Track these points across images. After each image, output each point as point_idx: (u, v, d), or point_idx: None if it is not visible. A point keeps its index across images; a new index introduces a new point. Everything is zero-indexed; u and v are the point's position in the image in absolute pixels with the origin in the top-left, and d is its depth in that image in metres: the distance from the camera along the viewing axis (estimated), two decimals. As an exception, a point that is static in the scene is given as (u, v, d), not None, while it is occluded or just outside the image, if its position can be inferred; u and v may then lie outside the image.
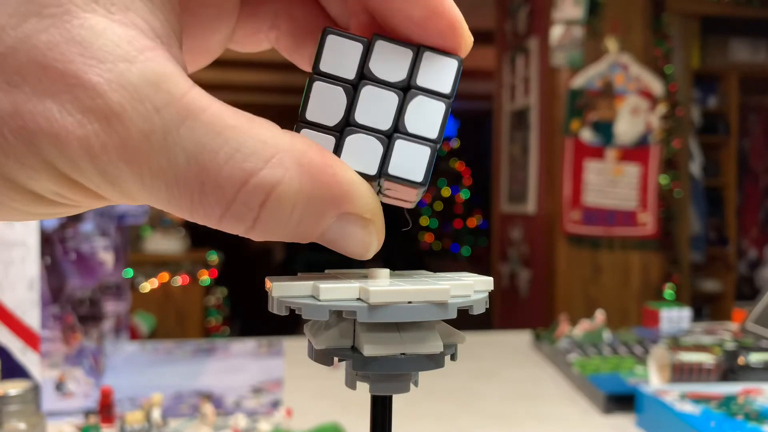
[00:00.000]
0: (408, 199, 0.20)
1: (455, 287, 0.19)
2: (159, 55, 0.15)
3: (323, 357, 0.19)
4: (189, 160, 0.15)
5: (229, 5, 0.20)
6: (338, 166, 0.17)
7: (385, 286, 0.18)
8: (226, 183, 0.15)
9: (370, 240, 0.18)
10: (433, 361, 0.19)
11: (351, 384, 0.20)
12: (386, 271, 0.20)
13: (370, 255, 0.19)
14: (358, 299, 0.18)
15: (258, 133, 0.16)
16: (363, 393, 0.20)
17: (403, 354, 0.19)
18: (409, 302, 0.18)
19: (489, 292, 0.20)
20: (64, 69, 0.14)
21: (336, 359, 0.20)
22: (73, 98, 0.15)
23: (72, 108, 0.15)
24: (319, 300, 0.18)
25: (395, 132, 0.19)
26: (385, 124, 0.19)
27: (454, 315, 0.19)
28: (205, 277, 2.77)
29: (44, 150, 0.15)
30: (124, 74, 0.15)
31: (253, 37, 0.22)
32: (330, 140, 0.18)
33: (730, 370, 0.74)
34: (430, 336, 0.19)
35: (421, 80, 0.19)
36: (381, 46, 0.18)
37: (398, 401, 0.20)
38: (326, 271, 0.22)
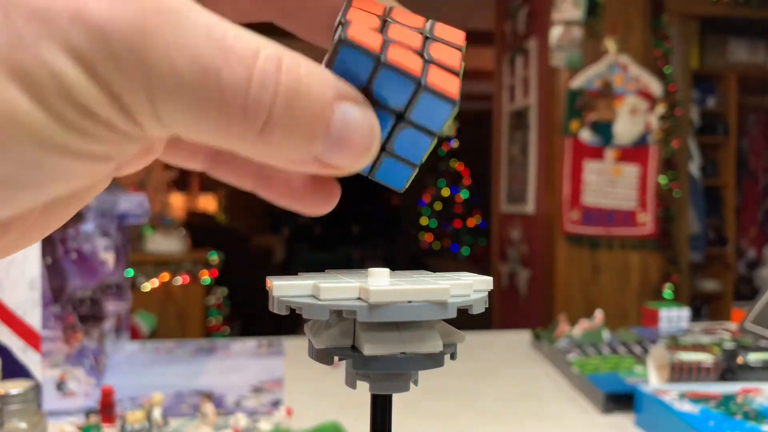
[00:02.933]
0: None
1: (455, 287, 0.19)
2: None
3: (323, 356, 0.20)
4: (206, 36, 0.15)
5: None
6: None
7: (385, 286, 0.18)
8: (244, 54, 0.15)
9: (372, 122, 0.18)
10: (433, 361, 0.19)
11: (351, 383, 0.20)
12: (386, 271, 0.20)
13: (376, 142, 0.18)
14: (358, 299, 0.18)
15: (244, 30, 0.16)
16: (363, 392, 0.20)
17: (403, 353, 0.19)
18: (409, 302, 0.18)
19: (488, 292, 0.21)
20: None
21: (336, 358, 0.20)
22: None
23: None
24: (320, 299, 0.18)
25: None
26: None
27: (453, 314, 0.19)
28: (205, 277, 2.77)
29: (62, 27, 0.14)
30: None
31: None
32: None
33: (728, 369, 0.74)
34: (429, 335, 0.19)
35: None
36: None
37: (398, 400, 0.21)
38: (326, 270, 0.22)
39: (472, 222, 6.15)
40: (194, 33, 0.15)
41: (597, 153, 2.54)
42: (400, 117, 0.19)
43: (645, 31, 2.56)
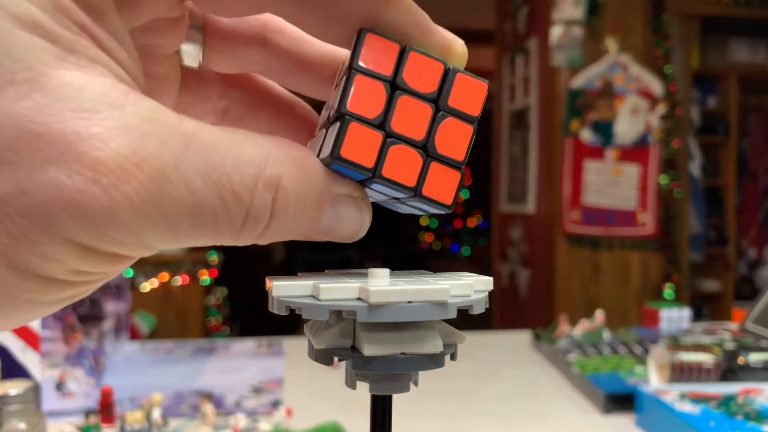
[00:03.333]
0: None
1: (455, 287, 0.19)
2: (141, 95, 0.15)
3: (323, 356, 0.20)
4: (204, 180, 0.15)
5: (172, 77, 0.22)
6: (315, 158, 0.18)
7: (384, 286, 0.18)
8: (241, 189, 0.16)
9: (362, 217, 0.19)
10: (433, 361, 0.19)
11: (351, 384, 0.20)
12: (386, 271, 0.20)
13: (363, 232, 0.19)
14: (358, 299, 0.18)
15: (248, 141, 0.16)
16: (363, 393, 0.20)
17: (403, 354, 0.19)
18: (409, 302, 0.18)
19: (489, 292, 0.21)
20: (60, 130, 0.14)
21: (336, 359, 0.20)
22: (79, 156, 0.14)
23: (80, 167, 0.14)
24: (319, 300, 0.18)
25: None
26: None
27: (453, 315, 0.19)
28: (205, 277, 2.77)
29: (60, 223, 0.14)
30: (123, 119, 0.14)
31: (200, 106, 0.23)
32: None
33: (729, 369, 0.74)
34: (430, 336, 0.19)
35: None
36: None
37: (398, 401, 0.21)
38: (326, 271, 0.22)
39: (473, 222, 6.15)
40: (191, 182, 0.15)
41: (597, 153, 2.54)
42: (395, 198, 0.20)
43: (645, 31, 2.56)
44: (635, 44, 2.55)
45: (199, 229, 0.16)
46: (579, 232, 2.56)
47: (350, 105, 0.18)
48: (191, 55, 0.22)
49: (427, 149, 0.19)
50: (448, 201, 0.19)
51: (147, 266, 2.67)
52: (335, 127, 0.18)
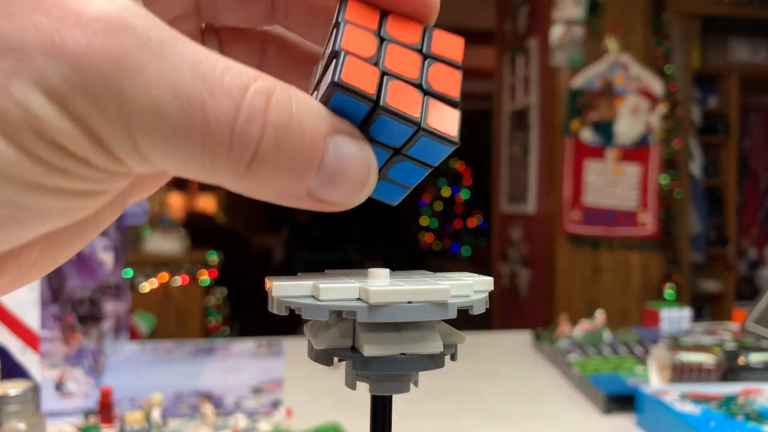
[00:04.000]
0: None
1: (455, 287, 0.19)
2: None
3: (323, 357, 0.19)
4: (191, 70, 0.15)
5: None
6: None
7: (385, 286, 0.18)
8: (231, 87, 0.15)
9: (368, 156, 0.17)
10: (433, 361, 0.19)
11: (351, 384, 0.20)
12: (386, 271, 0.20)
13: (372, 183, 0.18)
14: (358, 299, 0.18)
15: (235, 63, 0.16)
16: (363, 393, 0.20)
17: (403, 354, 0.19)
18: (409, 302, 0.18)
19: (489, 292, 0.20)
20: None
21: (336, 359, 0.20)
22: (64, 6, 0.14)
23: (63, 13, 0.14)
24: (319, 300, 0.18)
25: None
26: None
27: (453, 315, 0.19)
28: (204, 277, 2.77)
29: (36, 63, 0.14)
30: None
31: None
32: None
33: (730, 370, 0.74)
34: (430, 336, 0.19)
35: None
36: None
37: (398, 401, 0.20)
38: (326, 271, 0.22)
39: (473, 222, 6.15)
40: (178, 66, 0.14)
41: (598, 153, 2.54)
42: (397, 151, 0.19)
43: (646, 31, 2.56)
44: (636, 44, 2.55)
45: (183, 116, 0.15)
46: (579, 232, 2.56)
47: (344, 44, 0.18)
48: None
49: (422, 88, 0.18)
50: (454, 134, 0.18)
51: (147, 266, 2.67)
52: (331, 66, 0.18)
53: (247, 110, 0.15)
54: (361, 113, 0.18)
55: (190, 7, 0.21)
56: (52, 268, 0.19)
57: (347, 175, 0.17)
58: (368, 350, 0.18)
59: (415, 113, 0.18)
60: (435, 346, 0.19)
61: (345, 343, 0.19)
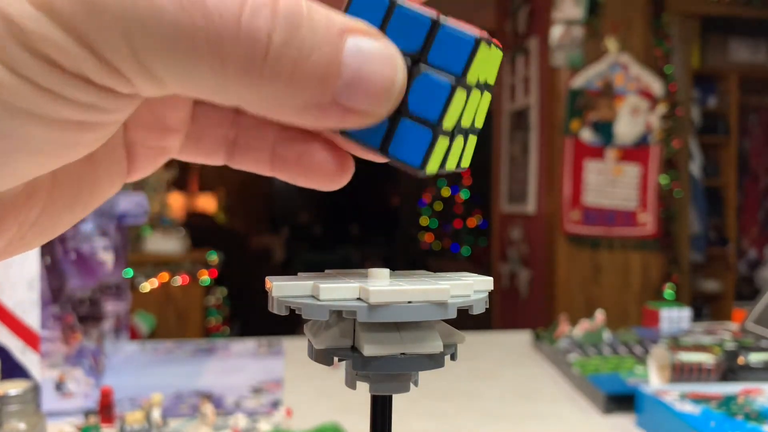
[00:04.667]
0: None
1: (455, 287, 0.19)
2: None
3: (323, 357, 0.19)
4: None
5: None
6: None
7: (385, 286, 0.18)
8: None
9: (391, 51, 0.16)
10: (433, 361, 0.19)
11: (351, 384, 0.20)
12: (386, 271, 0.20)
13: (401, 76, 0.16)
14: (358, 299, 0.18)
15: None
16: (363, 393, 0.20)
17: (403, 354, 0.19)
18: (409, 302, 0.18)
19: (489, 292, 0.21)
20: None
21: (336, 359, 0.20)
22: None
23: None
24: (319, 300, 0.18)
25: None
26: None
27: (453, 315, 0.19)
28: (205, 277, 2.77)
29: None
30: None
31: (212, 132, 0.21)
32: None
33: (730, 370, 0.74)
34: (430, 336, 0.19)
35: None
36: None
37: (398, 401, 0.20)
38: (326, 271, 0.22)
39: (473, 222, 6.14)
40: None
41: (598, 153, 2.54)
42: (416, 61, 0.17)
43: (646, 31, 2.56)
44: (635, 44, 2.55)
45: (185, 20, 0.13)
46: (579, 232, 2.56)
47: None
48: None
49: (437, 21, 0.17)
50: (475, 31, 0.17)
51: (147, 266, 2.67)
52: None
53: (253, 2, 0.14)
54: (378, 15, 0.17)
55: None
56: (53, 233, 0.18)
57: (373, 72, 0.15)
58: (368, 350, 0.18)
59: (432, 12, 0.17)
60: (435, 346, 0.19)
61: (345, 343, 0.19)
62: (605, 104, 2.52)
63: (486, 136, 3.41)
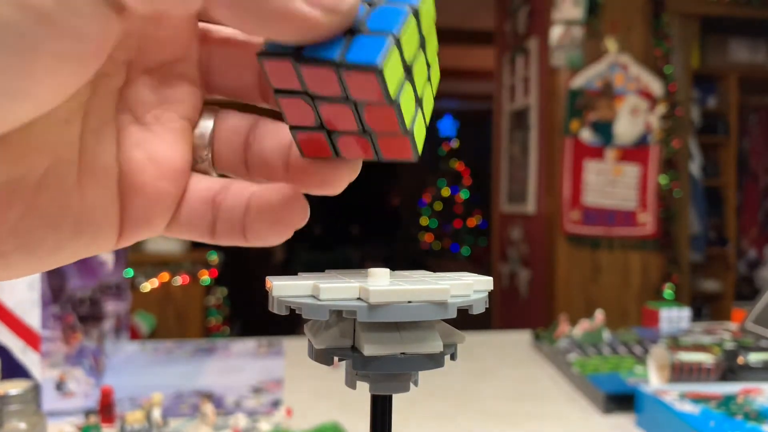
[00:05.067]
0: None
1: (455, 287, 0.19)
2: None
3: (323, 356, 0.20)
4: None
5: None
6: None
7: (384, 286, 0.18)
8: None
9: None
10: (433, 361, 0.19)
11: (351, 383, 0.20)
12: (386, 271, 0.20)
13: None
14: (358, 299, 0.18)
15: None
16: (363, 393, 0.20)
17: (403, 354, 0.19)
18: (409, 302, 0.18)
19: (488, 292, 0.21)
20: None
21: (336, 359, 0.20)
22: None
23: None
24: (320, 300, 0.18)
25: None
26: None
27: (453, 314, 0.19)
28: (205, 277, 2.77)
29: None
30: None
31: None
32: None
33: (729, 369, 0.74)
34: (430, 336, 0.19)
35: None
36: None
37: (398, 401, 0.21)
38: (326, 271, 0.22)
39: (473, 222, 6.15)
40: None
41: (597, 153, 2.54)
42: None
43: (645, 31, 2.56)
44: (635, 44, 2.55)
45: None
46: (579, 232, 2.56)
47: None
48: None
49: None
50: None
51: (147, 266, 2.67)
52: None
53: None
54: None
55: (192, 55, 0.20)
56: (33, 253, 0.18)
57: None
58: (368, 350, 0.18)
59: None
60: (435, 346, 0.19)
61: (345, 343, 0.20)
62: (605, 104, 2.53)
63: (486, 136, 3.42)
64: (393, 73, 0.17)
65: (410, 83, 0.18)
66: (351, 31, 0.17)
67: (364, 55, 0.16)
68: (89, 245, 0.19)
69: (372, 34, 0.17)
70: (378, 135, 0.18)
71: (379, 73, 0.16)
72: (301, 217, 0.20)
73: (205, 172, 0.21)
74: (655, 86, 2.53)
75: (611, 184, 2.55)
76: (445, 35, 3.73)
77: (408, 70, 0.18)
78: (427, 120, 0.20)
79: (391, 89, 0.17)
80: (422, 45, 0.18)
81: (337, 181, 0.20)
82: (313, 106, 0.18)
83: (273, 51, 0.17)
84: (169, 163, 0.20)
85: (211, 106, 0.21)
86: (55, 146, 0.17)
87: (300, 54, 0.17)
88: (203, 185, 0.21)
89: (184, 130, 0.20)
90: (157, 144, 0.19)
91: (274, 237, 0.20)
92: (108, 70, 0.18)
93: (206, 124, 0.21)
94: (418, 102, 0.19)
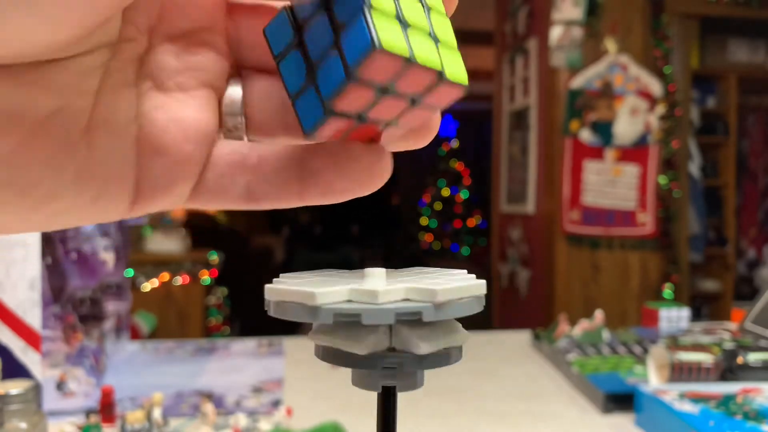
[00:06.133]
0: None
1: (462, 283, 0.20)
2: None
3: (368, 363, 0.19)
4: None
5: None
6: None
7: (447, 285, 0.18)
8: None
9: None
10: (461, 353, 0.20)
11: (374, 386, 0.20)
12: (383, 271, 0.20)
13: None
14: (405, 299, 0.19)
15: None
16: (363, 393, 0.20)
17: (446, 348, 0.19)
18: (461, 298, 0.19)
19: (486, 291, 0.21)
20: None
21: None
22: None
23: None
24: (378, 304, 0.18)
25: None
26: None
27: (481, 308, 0.20)
28: (205, 277, 2.77)
29: None
30: None
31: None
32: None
33: (728, 369, 0.74)
34: (457, 328, 0.20)
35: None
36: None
37: (398, 400, 0.21)
38: (314, 271, 0.22)
39: (472, 222, 6.15)
40: None
41: (597, 153, 2.54)
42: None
43: (645, 31, 2.56)
44: (635, 44, 2.55)
45: None
46: (579, 232, 2.57)
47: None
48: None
49: None
50: None
51: (148, 266, 2.67)
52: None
53: None
54: None
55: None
56: (24, 200, 0.17)
57: None
58: (423, 348, 0.19)
59: None
60: (463, 338, 0.20)
61: (384, 345, 0.19)
62: (604, 104, 2.53)
63: (486, 136, 3.42)
64: (392, 37, 0.16)
65: (406, 28, 0.17)
66: (331, 21, 0.16)
67: (358, 46, 0.16)
68: (95, 202, 0.18)
69: (347, 21, 0.16)
70: (423, 93, 0.18)
71: (383, 51, 0.15)
72: (380, 154, 0.19)
73: (238, 139, 0.20)
74: (655, 86, 2.54)
75: (611, 184, 2.55)
76: (444, 35, 3.72)
77: (402, 22, 0.17)
78: (453, 41, 0.19)
79: (401, 51, 0.16)
80: None
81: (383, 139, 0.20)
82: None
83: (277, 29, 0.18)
84: (195, 125, 0.19)
85: (240, 73, 0.21)
86: (68, 92, 0.17)
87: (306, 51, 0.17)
88: (228, 149, 0.20)
89: (209, 97, 0.20)
90: (181, 108, 0.19)
91: (348, 183, 0.19)
92: (130, 35, 0.18)
93: (235, 91, 0.20)
94: (433, 38, 0.18)
